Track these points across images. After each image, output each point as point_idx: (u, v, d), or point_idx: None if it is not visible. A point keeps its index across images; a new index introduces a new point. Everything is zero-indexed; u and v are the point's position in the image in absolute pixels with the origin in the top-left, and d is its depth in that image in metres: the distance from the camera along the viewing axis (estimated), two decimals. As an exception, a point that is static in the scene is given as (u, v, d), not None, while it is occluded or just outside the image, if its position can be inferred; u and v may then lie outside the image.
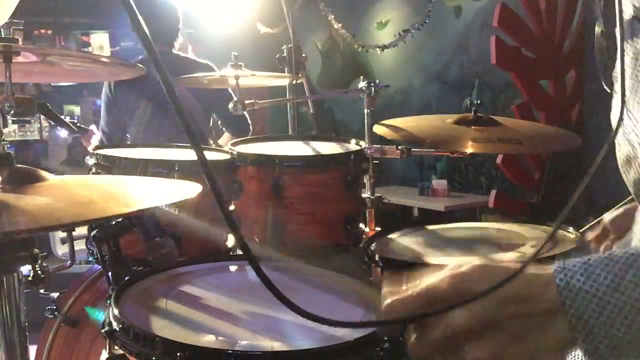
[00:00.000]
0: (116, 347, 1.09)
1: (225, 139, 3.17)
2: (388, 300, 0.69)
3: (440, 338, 0.66)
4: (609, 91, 0.84)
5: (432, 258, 1.64)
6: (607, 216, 1.22)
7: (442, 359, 0.68)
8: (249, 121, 3.12)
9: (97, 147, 1.82)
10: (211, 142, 3.03)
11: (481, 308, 0.65)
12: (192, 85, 2.75)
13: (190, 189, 1.06)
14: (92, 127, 3.10)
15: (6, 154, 1.00)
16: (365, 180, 1.93)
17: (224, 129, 3.19)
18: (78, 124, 2.44)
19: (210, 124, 3.17)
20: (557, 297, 0.63)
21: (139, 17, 0.59)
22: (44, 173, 1.04)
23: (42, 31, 6.78)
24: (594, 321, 0.62)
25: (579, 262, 0.64)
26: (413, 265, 1.61)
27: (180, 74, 2.45)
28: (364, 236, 1.88)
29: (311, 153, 1.98)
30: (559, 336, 0.64)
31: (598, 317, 0.62)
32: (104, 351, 1.26)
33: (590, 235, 1.29)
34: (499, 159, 3.85)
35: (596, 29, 0.84)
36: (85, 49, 6.77)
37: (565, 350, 0.65)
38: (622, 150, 0.80)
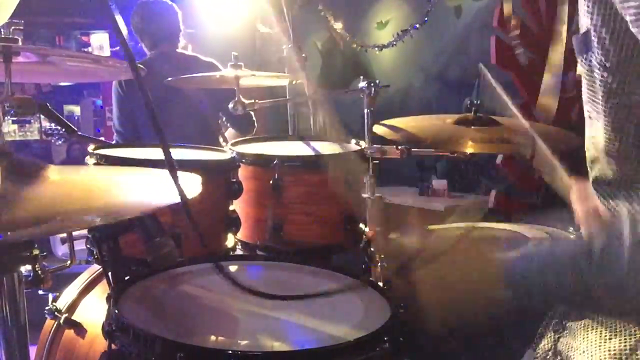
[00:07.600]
0: (116, 347, 1.09)
1: (230, 133, 3.17)
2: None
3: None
4: None
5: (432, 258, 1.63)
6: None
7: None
8: (254, 118, 3.10)
9: (96, 147, 1.82)
10: (221, 140, 3.02)
11: None
12: (197, 86, 2.74)
13: (190, 189, 1.05)
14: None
15: (6, 149, 1.00)
16: (365, 180, 1.93)
17: (228, 124, 3.18)
18: (84, 134, 2.43)
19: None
20: None
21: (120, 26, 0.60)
22: (44, 169, 1.03)
23: (42, 31, 6.78)
24: None
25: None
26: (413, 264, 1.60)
27: (185, 72, 2.44)
28: (364, 236, 1.89)
29: (311, 153, 1.98)
30: None
31: None
32: (104, 351, 1.25)
33: None
34: (498, 159, 3.84)
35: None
36: (85, 49, 6.77)
37: None
38: (589, 152, 0.95)
